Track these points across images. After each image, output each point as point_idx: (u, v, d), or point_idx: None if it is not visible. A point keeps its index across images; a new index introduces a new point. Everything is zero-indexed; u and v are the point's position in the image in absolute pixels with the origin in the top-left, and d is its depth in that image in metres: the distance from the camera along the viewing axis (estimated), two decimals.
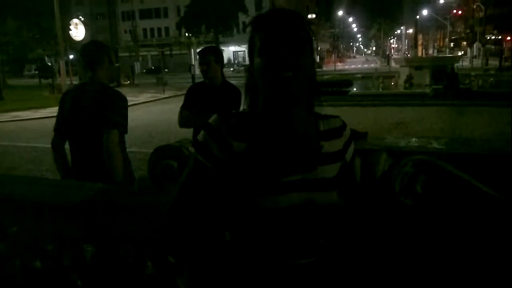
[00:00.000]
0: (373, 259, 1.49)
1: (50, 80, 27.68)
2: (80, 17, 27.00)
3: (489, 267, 1.40)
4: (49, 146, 2.86)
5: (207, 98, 3.51)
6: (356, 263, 1.47)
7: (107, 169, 2.63)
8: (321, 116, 1.25)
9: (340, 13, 69.30)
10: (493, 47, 48.13)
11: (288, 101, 1.11)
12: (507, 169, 1.64)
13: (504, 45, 45.45)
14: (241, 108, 1.58)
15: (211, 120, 1.18)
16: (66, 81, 20.27)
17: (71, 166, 2.84)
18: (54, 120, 2.87)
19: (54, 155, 2.84)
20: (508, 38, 48.00)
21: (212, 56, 3.52)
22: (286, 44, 1.09)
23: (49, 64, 41.72)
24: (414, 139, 1.91)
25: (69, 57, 23.48)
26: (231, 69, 46.39)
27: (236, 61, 69.77)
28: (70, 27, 21.14)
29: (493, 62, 35.85)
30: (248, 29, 1.18)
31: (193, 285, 1.61)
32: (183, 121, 3.59)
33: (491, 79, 23.34)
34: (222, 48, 45.35)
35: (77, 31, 21.19)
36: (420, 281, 1.46)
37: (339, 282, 1.28)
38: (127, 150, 2.92)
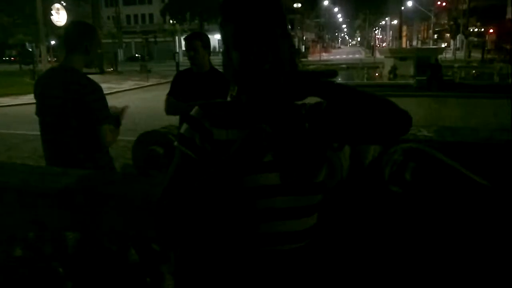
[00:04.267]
0: (361, 246, 1.49)
1: (30, 66, 27.15)
2: (62, 2, 26.45)
3: (478, 254, 1.41)
4: (31, 133, 2.79)
5: (194, 85, 3.45)
6: (343, 250, 1.47)
7: (76, 159, 2.57)
8: (303, 104, 1.24)
9: (326, 2, 69.33)
10: (476, 39, 48.68)
11: (270, 92, 1.10)
12: (494, 157, 1.65)
13: (487, 38, 46.02)
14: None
15: (193, 112, 1.18)
16: (47, 66, 19.89)
17: (43, 155, 2.74)
18: (35, 106, 2.79)
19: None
20: (491, 30, 48.61)
21: (199, 41, 3.46)
22: (260, 38, 1.08)
23: (30, 49, 40.91)
24: None
25: (50, 42, 23.05)
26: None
27: (220, 49, 69.21)
28: (52, 12, 20.73)
29: (476, 54, 36.33)
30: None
31: (178, 272, 1.58)
32: (170, 108, 3.52)
33: (474, 71, 23.68)
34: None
35: (59, 16, 20.80)
36: (408, 269, 1.46)
37: (326, 268, 1.28)
38: None
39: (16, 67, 35.98)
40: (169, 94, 3.57)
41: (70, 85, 2.54)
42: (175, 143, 1.17)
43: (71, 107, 2.52)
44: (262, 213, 1.13)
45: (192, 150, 1.14)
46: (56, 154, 2.68)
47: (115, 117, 2.76)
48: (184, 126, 1.17)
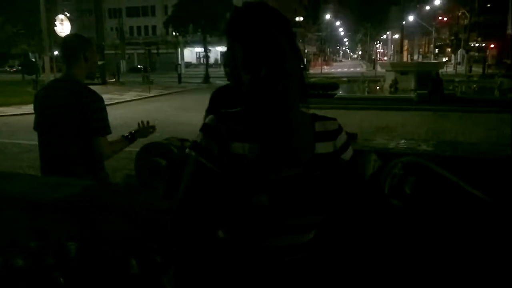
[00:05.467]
0: (361, 258, 1.49)
1: (33, 76, 27.27)
2: (66, 13, 26.68)
3: (477, 268, 1.41)
4: (32, 142, 2.80)
5: (233, 102, 3.40)
6: (344, 263, 1.47)
7: (73, 171, 2.55)
8: (318, 117, 1.24)
9: (328, 16, 69.75)
10: (477, 54, 48.91)
11: (283, 108, 1.09)
12: (494, 172, 1.66)
13: (488, 53, 46.23)
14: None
15: (208, 120, 1.15)
16: (50, 77, 20.00)
17: (40, 166, 2.71)
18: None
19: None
20: (492, 45, 48.81)
21: None
22: (269, 57, 1.04)
23: (33, 60, 41.13)
24: (403, 141, 1.91)
25: (53, 53, 23.18)
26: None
27: (223, 62, 69.50)
28: (56, 22, 20.92)
29: (477, 69, 36.44)
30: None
31: (180, 285, 1.59)
32: None
33: (475, 85, 23.75)
34: (209, 48, 45.21)
35: (63, 27, 20.98)
36: (408, 282, 1.46)
37: (327, 280, 1.28)
38: None
39: (19, 76, 36.14)
40: (207, 112, 3.53)
41: (71, 95, 2.55)
42: (187, 151, 1.15)
43: (72, 117, 2.52)
44: (269, 228, 1.13)
45: (210, 160, 1.11)
46: (54, 167, 2.64)
47: (132, 132, 2.74)
48: (200, 135, 1.14)
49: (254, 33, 1.06)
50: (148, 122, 2.81)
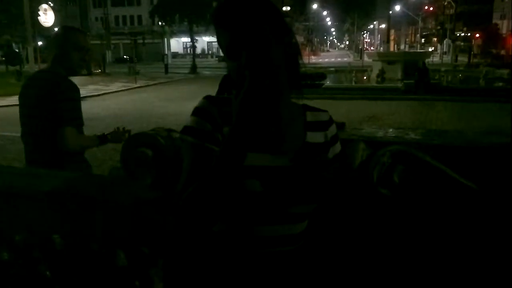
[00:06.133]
0: (351, 248, 1.50)
1: (17, 67, 26.82)
2: (50, 2, 26.21)
3: (465, 256, 1.43)
4: (17, 134, 2.75)
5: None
6: (333, 253, 1.47)
7: (53, 163, 2.52)
8: (310, 108, 1.24)
9: (315, 6, 69.63)
10: (462, 43, 49.33)
11: (269, 95, 1.07)
12: (481, 160, 1.67)
13: (473, 42, 46.65)
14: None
15: (199, 104, 1.15)
16: (34, 68, 19.68)
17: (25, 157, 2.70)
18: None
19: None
20: (477, 35, 49.23)
21: None
22: (251, 44, 1.00)
23: (17, 50, 40.43)
24: (391, 130, 1.92)
25: (37, 43, 22.80)
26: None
27: (210, 52, 69.26)
28: (39, 12, 20.53)
29: (462, 59, 36.79)
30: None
31: (168, 276, 1.58)
32: None
33: (460, 75, 23.96)
34: (196, 38, 44.84)
35: (46, 16, 20.61)
36: (397, 271, 1.47)
37: (316, 272, 1.28)
38: None
39: (2, 67, 35.55)
40: (218, 94, 3.51)
41: (48, 85, 2.53)
42: (180, 136, 1.14)
43: (46, 108, 2.49)
44: (259, 216, 1.12)
45: (207, 141, 1.10)
46: (35, 158, 2.64)
47: (105, 134, 2.72)
48: (192, 119, 1.13)
49: (239, 21, 1.06)
50: (124, 128, 2.78)
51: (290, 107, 1.18)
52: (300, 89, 1.20)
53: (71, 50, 2.59)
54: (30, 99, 2.60)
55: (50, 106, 2.48)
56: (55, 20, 21.01)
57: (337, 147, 1.26)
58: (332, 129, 1.25)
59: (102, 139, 2.69)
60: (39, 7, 20.74)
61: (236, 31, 1.06)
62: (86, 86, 21.40)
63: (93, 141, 2.67)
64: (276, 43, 1.08)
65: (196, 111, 1.14)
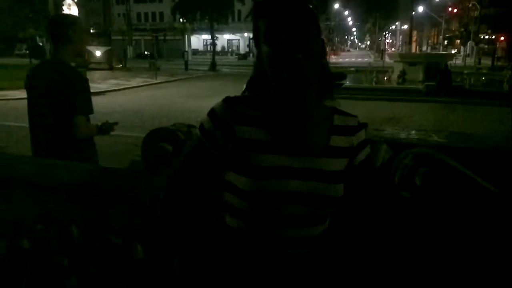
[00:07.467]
0: (370, 251, 1.47)
1: (40, 60, 27.22)
2: None
3: (486, 262, 1.39)
4: None
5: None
6: (352, 256, 1.46)
7: (59, 152, 2.60)
8: (338, 111, 1.23)
9: (337, 6, 69.16)
10: (486, 46, 48.40)
11: (299, 83, 1.06)
12: (505, 165, 1.63)
13: (497, 45, 45.73)
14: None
15: (216, 105, 1.16)
16: None
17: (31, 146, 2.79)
18: None
19: None
20: (502, 38, 48.27)
21: None
22: (291, 26, 1.05)
23: (40, 44, 41.12)
24: (414, 132, 1.89)
25: None
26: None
27: (230, 49, 69.38)
28: (63, 7, 20.86)
29: (486, 62, 36.08)
30: (244, 17, 1.17)
31: (185, 273, 1.58)
32: None
33: (483, 78, 23.49)
34: (217, 35, 44.96)
35: (70, 11, 20.90)
36: (417, 275, 1.45)
37: (333, 275, 1.27)
38: (117, 134, 2.88)
39: (26, 60, 36.19)
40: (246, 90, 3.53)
41: (55, 76, 2.58)
42: (196, 130, 1.20)
43: (54, 98, 2.56)
44: (280, 218, 1.12)
45: (211, 145, 1.15)
46: (41, 147, 2.72)
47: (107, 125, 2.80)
48: (206, 119, 1.16)
49: (282, 8, 1.08)
50: (112, 122, 2.88)
51: (318, 108, 1.17)
52: (331, 91, 1.20)
53: (75, 37, 2.64)
54: (37, 90, 2.65)
55: (66, 96, 2.54)
56: (78, 15, 21.30)
57: (364, 153, 1.23)
58: (360, 135, 1.22)
59: (98, 129, 2.80)
60: (63, 2, 21.09)
61: (278, 15, 1.07)
62: (107, 80, 21.64)
63: (95, 131, 2.79)
64: (314, 34, 1.10)
65: (211, 113, 1.16)
